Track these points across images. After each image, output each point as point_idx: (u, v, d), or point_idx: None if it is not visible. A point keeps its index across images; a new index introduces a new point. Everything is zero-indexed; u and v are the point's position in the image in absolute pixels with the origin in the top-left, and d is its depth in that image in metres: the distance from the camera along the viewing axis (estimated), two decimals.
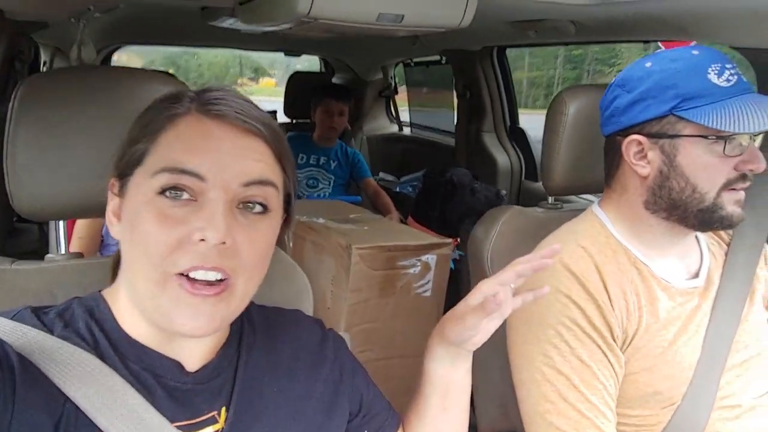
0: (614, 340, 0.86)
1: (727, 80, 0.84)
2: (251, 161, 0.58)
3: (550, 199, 1.23)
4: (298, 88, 2.99)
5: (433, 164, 2.83)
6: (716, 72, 0.84)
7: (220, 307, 0.57)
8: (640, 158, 0.90)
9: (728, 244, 1.00)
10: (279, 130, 0.63)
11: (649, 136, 0.88)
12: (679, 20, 1.16)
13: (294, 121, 3.05)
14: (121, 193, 0.61)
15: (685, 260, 0.95)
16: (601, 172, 1.04)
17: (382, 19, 1.03)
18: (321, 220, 1.62)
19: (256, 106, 0.62)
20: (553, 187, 1.14)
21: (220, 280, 0.57)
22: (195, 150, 0.56)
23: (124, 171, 0.60)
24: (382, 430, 0.77)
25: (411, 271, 1.51)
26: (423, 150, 3.04)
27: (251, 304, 0.74)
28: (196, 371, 0.63)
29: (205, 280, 0.56)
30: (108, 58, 3.00)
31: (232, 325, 0.69)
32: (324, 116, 2.69)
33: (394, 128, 3.33)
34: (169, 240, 0.55)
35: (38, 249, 1.91)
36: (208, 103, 0.59)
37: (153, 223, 0.55)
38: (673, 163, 0.86)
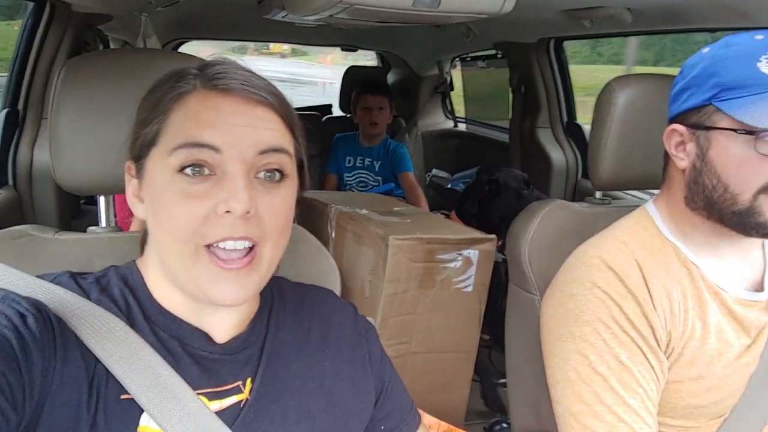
0: (657, 342, 0.79)
1: None
2: (263, 130, 0.59)
3: (598, 194, 1.17)
4: (353, 82, 3.00)
5: (487, 161, 2.78)
6: None
7: (252, 277, 0.59)
8: (681, 150, 0.83)
9: None
10: (286, 98, 0.63)
11: (688, 126, 0.81)
12: (742, 5, 1.07)
13: (349, 115, 3.08)
14: (139, 174, 0.62)
15: (745, 267, 0.87)
16: (652, 167, 0.98)
17: (418, 4, 1.01)
18: (363, 211, 1.62)
19: (259, 77, 0.62)
20: (600, 181, 1.09)
21: (249, 249, 0.58)
22: (207, 124, 0.57)
23: (139, 153, 0.61)
24: (399, 430, 0.76)
25: (452, 265, 1.48)
26: (478, 146, 2.99)
27: (284, 279, 0.76)
28: (225, 343, 0.64)
29: (234, 250, 0.57)
30: None
31: (262, 299, 0.70)
32: (364, 113, 2.67)
33: (450, 124, 3.30)
34: (195, 216, 0.56)
35: None
36: (213, 78, 0.59)
37: (177, 201, 0.57)
38: (705, 158, 0.79)
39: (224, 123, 0.57)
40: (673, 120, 0.84)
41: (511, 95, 2.41)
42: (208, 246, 0.57)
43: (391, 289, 1.41)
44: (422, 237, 1.42)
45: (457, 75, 3.20)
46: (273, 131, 0.60)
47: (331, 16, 1.30)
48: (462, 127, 3.25)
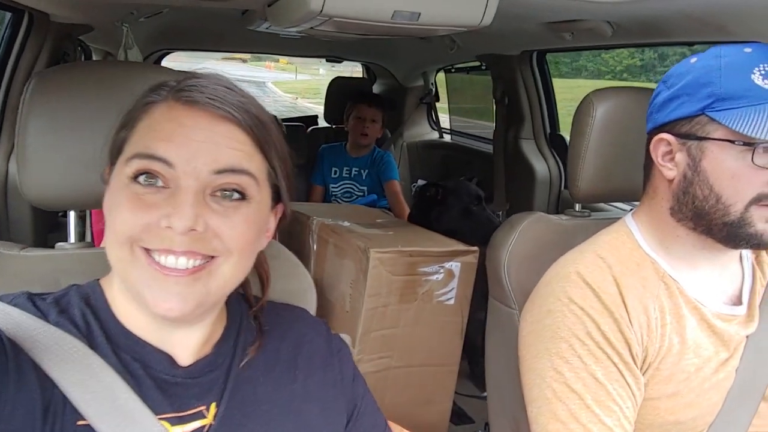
0: (633, 359, 0.79)
1: None
2: (224, 149, 0.57)
3: (577, 207, 1.17)
4: (339, 93, 3.00)
5: (472, 172, 2.78)
6: (763, 72, 0.75)
7: (197, 288, 0.57)
8: (669, 159, 0.83)
9: None
10: (264, 117, 0.62)
11: (678, 136, 0.81)
12: (718, 19, 1.08)
13: (334, 126, 3.07)
14: (107, 181, 0.62)
15: (723, 281, 0.87)
16: (632, 179, 0.98)
17: (398, 17, 1.01)
18: (346, 223, 1.61)
19: (237, 93, 0.60)
20: (579, 193, 1.09)
21: (200, 265, 0.57)
22: (165, 137, 0.57)
23: (111, 160, 0.62)
24: None
25: (434, 277, 1.47)
26: (463, 157, 2.99)
27: (257, 299, 0.73)
28: (189, 365, 0.62)
29: (175, 269, 0.55)
30: (158, 64, 3.10)
31: (229, 319, 0.68)
32: (356, 123, 2.67)
33: (435, 135, 3.30)
34: (137, 223, 0.55)
35: None
36: (183, 90, 0.59)
37: (125, 205, 0.56)
38: (697, 168, 0.79)
39: (183, 137, 0.56)
40: (659, 129, 0.84)
41: (494, 107, 2.42)
42: (147, 250, 0.56)
43: (372, 303, 1.39)
44: (403, 250, 1.41)
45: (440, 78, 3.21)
46: (235, 150, 0.58)
47: (312, 28, 1.29)
48: (447, 138, 3.25)
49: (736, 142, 0.75)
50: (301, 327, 0.74)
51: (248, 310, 0.71)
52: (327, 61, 3.17)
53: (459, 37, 2.23)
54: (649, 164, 0.88)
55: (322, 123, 3.24)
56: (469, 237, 1.67)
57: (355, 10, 1.02)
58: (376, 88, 3.34)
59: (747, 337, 0.84)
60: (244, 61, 20.53)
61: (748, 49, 0.78)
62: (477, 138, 3.00)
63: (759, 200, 0.76)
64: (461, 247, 1.50)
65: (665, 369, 0.80)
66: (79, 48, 2.33)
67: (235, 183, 0.58)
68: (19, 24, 1.61)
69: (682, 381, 0.80)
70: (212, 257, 0.57)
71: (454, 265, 1.49)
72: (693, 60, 0.82)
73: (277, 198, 0.65)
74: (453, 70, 2.99)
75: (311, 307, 0.89)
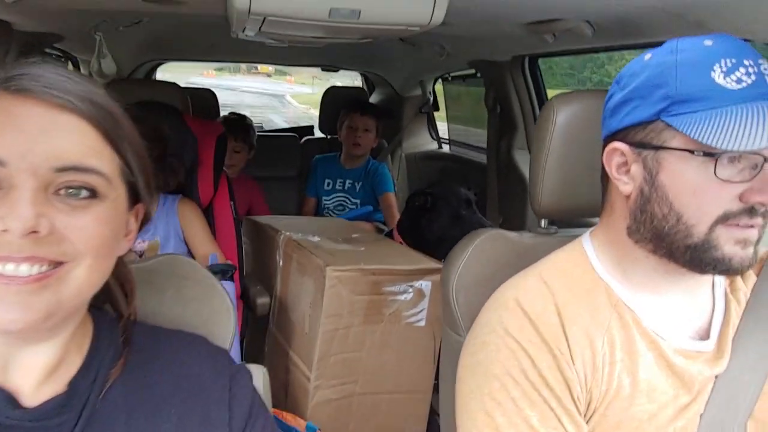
0: (574, 403, 0.68)
1: (738, 81, 0.64)
2: (66, 143, 0.50)
3: (543, 223, 1.06)
4: (333, 102, 2.93)
5: (469, 183, 2.68)
6: (725, 69, 0.64)
7: (45, 296, 0.50)
8: (624, 172, 0.72)
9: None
10: (113, 108, 0.54)
11: (632, 144, 0.70)
12: (695, 13, 0.97)
13: (329, 136, 3.00)
14: None
15: (691, 311, 0.75)
16: (598, 193, 0.88)
17: (336, 15, 0.93)
18: (315, 239, 1.52)
19: (82, 81, 0.53)
20: (541, 208, 0.98)
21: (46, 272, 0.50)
22: None
23: None
24: None
25: (401, 297, 1.38)
26: (461, 168, 2.89)
27: (138, 324, 0.65)
28: (34, 407, 0.54)
29: (16, 276, 0.48)
30: (150, 75, 3.07)
31: (93, 349, 0.60)
32: (348, 132, 2.60)
33: (434, 145, 3.20)
34: None
35: None
36: (11, 78, 0.51)
37: None
38: (654, 183, 0.68)
39: (14, 129, 0.49)
40: (612, 137, 0.74)
41: (487, 115, 2.31)
42: None
43: (331, 325, 1.30)
44: (366, 268, 1.31)
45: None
46: (79, 145, 0.51)
47: (260, 30, 1.22)
48: (446, 148, 3.15)
49: (695, 152, 0.65)
50: (188, 357, 0.64)
51: (119, 337, 0.62)
52: (322, 70, 3.11)
53: (448, 43, 2.14)
54: (605, 177, 0.78)
55: (318, 134, 3.18)
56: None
57: (288, 9, 0.95)
58: (374, 99, 3.26)
59: (716, 377, 0.72)
60: (269, 75, 22.38)
61: (708, 42, 0.67)
62: (475, 148, 2.90)
63: (726, 219, 0.65)
64: (432, 265, 1.40)
65: (612, 416, 0.69)
66: (63, 58, 2.31)
67: (81, 181, 0.51)
68: None
69: (633, 430, 0.69)
70: (61, 263, 0.50)
71: (424, 285, 1.39)
72: (648, 56, 0.71)
73: (136, 198, 0.58)
74: (450, 79, 2.89)
75: (227, 334, 0.80)
